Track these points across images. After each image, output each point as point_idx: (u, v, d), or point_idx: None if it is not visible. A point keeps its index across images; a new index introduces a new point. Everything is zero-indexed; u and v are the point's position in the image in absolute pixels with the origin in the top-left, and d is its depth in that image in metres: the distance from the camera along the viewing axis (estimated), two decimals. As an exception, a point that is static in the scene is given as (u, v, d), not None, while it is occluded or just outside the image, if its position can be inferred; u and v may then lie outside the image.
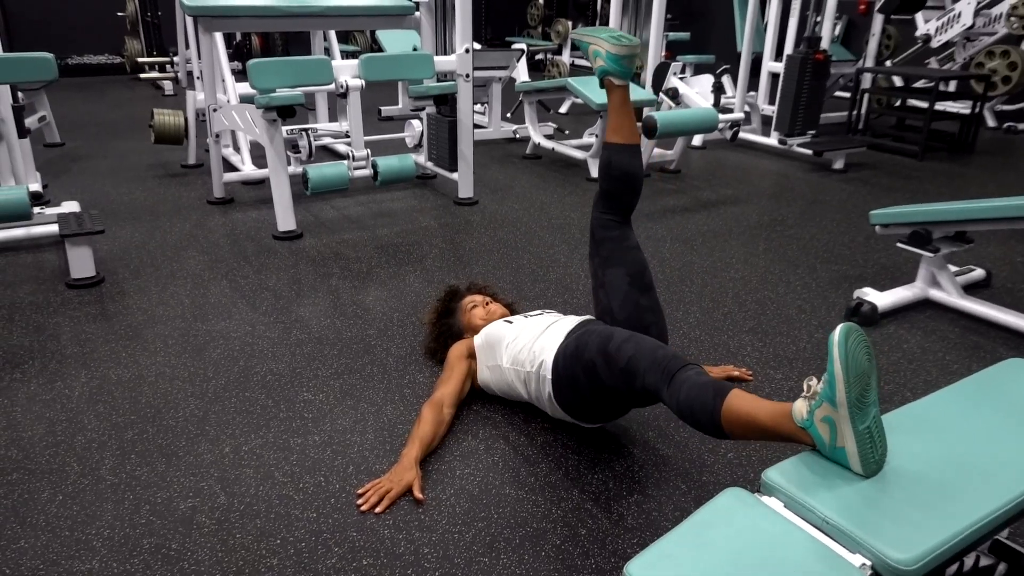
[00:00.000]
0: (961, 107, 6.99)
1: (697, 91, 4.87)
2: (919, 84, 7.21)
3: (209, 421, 2.06)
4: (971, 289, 3.03)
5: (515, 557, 1.59)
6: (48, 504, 1.72)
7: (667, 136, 3.96)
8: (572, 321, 2.03)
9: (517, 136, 5.54)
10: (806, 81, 5.21)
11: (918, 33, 7.28)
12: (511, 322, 2.15)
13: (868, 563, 1.03)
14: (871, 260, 3.47)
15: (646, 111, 4.56)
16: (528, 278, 3.14)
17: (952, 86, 7.25)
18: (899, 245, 2.92)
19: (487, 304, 2.37)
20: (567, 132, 5.64)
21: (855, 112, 6.29)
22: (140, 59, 8.23)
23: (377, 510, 1.71)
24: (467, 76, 3.88)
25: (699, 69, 6.79)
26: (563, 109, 7.24)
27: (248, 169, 4.47)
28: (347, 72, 3.52)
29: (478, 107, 5.88)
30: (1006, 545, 1.47)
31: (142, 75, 8.21)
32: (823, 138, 5.53)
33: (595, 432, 2.03)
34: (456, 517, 1.71)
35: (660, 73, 4.63)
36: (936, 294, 2.93)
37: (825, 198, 4.53)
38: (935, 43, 7.29)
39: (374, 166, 3.65)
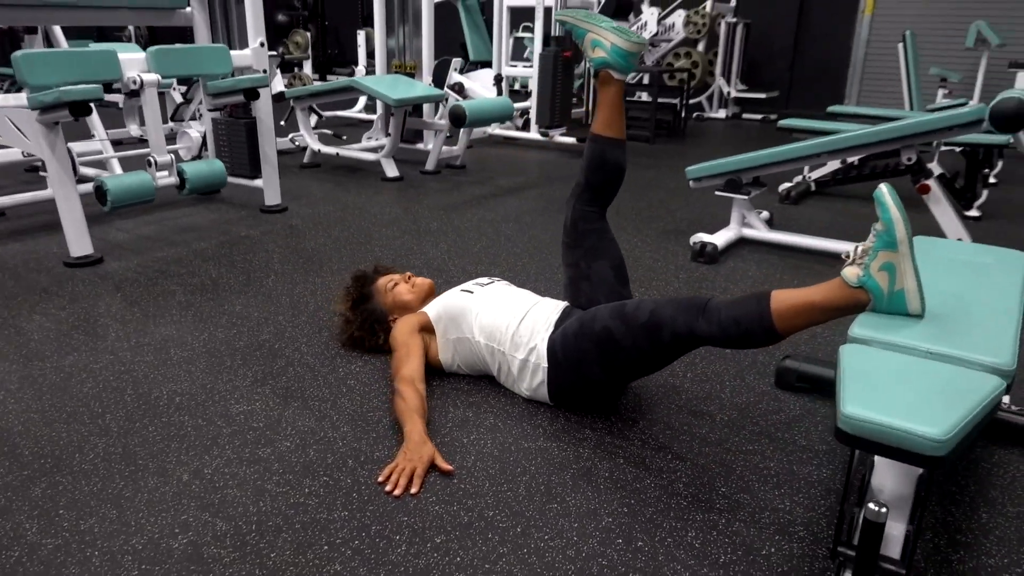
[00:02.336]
0: (668, 100, 8.12)
1: (480, 85, 5.04)
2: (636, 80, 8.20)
3: (137, 455, 1.67)
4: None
5: (580, 496, 1.55)
6: (-26, 592, 1.27)
7: (474, 125, 4.05)
8: (555, 305, 1.99)
9: (296, 145, 5.22)
10: (558, 77, 5.67)
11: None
12: (470, 291, 2.06)
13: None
14: (677, 216, 3.91)
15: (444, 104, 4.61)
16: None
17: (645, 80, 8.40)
18: (717, 193, 3.35)
19: (409, 279, 2.24)
20: (345, 137, 5.46)
21: (587, 108, 7.00)
22: None
23: (412, 491, 1.55)
24: (264, 71, 3.59)
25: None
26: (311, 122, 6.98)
27: (-22, 200, 3.64)
28: (136, 67, 3.05)
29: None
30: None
31: None
32: (575, 130, 6.06)
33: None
34: (496, 477, 1.61)
35: (441, 70, 4.71)
36: (749, 232, 3.41)
37: (601, 177, 4.98)
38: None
39: (180, 173, 3.21)
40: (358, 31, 6.99)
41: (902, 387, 1.13)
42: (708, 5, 8.11)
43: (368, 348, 2.21)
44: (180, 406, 1.89)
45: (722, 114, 8.53)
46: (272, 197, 3.83)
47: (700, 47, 8.19)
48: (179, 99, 5.07)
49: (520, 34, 8.23)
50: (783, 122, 4.38)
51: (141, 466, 1.63)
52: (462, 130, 4.85)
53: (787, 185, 4.44)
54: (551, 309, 1.97)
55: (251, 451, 1.70)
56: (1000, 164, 4.78)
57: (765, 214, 3.74)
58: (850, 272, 1.44)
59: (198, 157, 4.11)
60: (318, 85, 4.89)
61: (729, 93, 8.48)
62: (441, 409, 1.89)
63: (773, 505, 1.54)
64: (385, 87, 4.38)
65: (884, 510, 1.11)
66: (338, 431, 1.79)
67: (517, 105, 5.84)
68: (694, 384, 2.06)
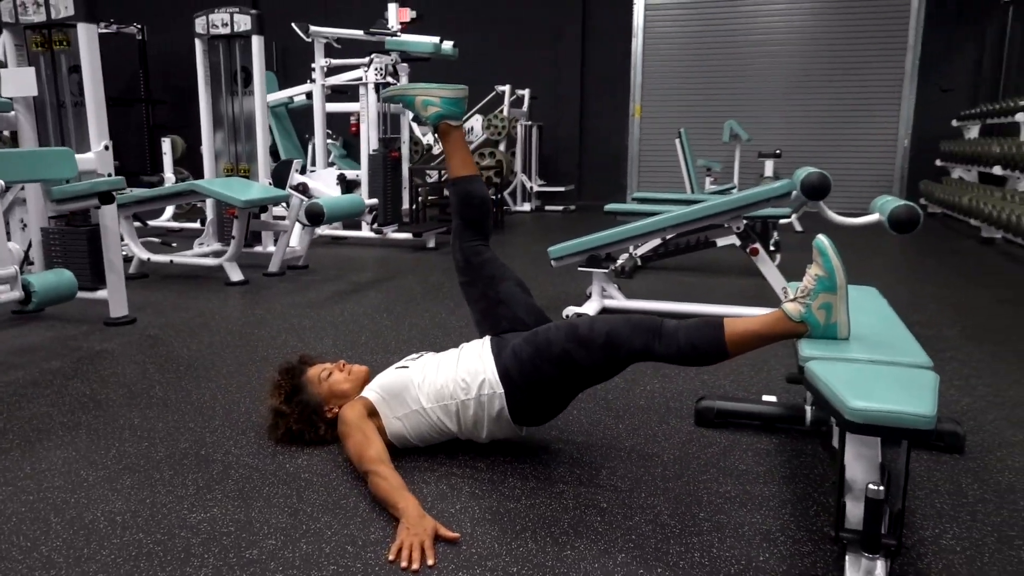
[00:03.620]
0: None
1: (323, 184, 5.06)
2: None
3: (104, 581, 1.49)
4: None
5: (586, 540, 1.64)
6: None
7: (331, 221, 4.08)
8: (479, 342, 2.10)
9: (126, 256, 4.81)
10: (388, 176, 5.86)
11: (427, 142, 8.72)
12: (406, 366, 2.09)
13: (914, 370, 1.51)
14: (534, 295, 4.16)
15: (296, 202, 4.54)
16: (289, 364, 2.91)
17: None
18: (580, 269, 3.66)
19: (343, 367, 2.23)
20: (175, 244, 5.14)
21: (412, 205, 7.23)
22: None
23: (429, 562, 1.55)
24: (110, 175, 3.39)
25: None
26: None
27: None
28: (-28, 172, 2.77)
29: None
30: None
31: None
32: (408, 226, 6.24)
33: (525, 443, 2.12)
34: (501, 537, 1.65)
35: (283, 171, 4.69)
36: (609, 302, 3.75)
37: (445, 266, 5.17)
38: (436, 151, 8.84)
39: (26, 286, 2.90)
40: (163, 139, 6.72)
41: (877, 384, 1.39)
42: (505, 109, 8.84)
43: (308, 441, 2.14)
44: (127, 524, 1.71)
45: (527, 207, 9.19)
46: (119, 308, 3.53)
47: (502, 147, 8.85)
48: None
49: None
50: (609, 207, 4.90)
51: (116, 591, 1.46)
52: (304, 230, 4.83)
53: (619, 262, 4.93)
54: (478, 346, 2.08)
55: (236, 555, 1.58)
56: (776, 234, 5.70)
57: (614, 287, 4.12)
58: (792, 308, 1.72)
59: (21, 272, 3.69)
60: (147, 191, 4.63)
61: (531, 188, 9.19)
62: (415, 486, 1.89)
63: (748, 520, 1.73)
64: (225, 189, 4.27)
65: (882, 488, 1.35)
66: (319, 522, 1.72)
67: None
68: (628, 434, 2.24)
